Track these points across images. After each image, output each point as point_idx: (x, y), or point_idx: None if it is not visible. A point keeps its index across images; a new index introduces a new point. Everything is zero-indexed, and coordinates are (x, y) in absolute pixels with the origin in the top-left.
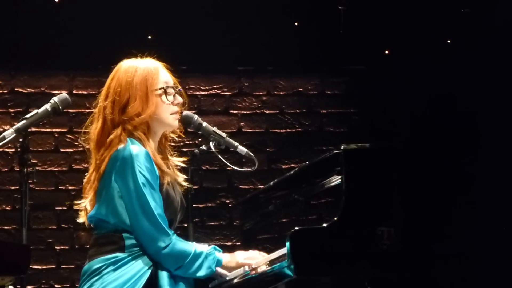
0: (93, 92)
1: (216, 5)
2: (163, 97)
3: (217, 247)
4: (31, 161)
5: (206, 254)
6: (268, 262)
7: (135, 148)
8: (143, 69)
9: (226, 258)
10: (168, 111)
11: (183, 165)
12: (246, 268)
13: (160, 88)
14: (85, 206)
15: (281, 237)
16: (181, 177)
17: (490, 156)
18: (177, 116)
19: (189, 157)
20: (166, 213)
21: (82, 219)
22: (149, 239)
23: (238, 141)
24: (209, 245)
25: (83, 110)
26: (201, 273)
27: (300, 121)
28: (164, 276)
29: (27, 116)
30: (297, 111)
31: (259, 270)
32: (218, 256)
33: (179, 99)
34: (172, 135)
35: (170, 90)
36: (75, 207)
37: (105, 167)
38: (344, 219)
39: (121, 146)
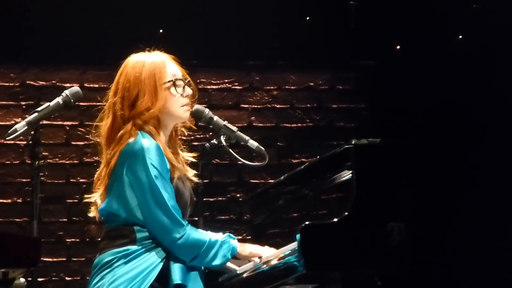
0: (104, 86)
1: (227, 0)
2: (172, 89)
3: (231, 235)
4: (42, 154)
5: (221, 243)
6: (278, 257)
7: (146, 142)
8: (151, 63)
9: (240, 246)
10: (178, 103)
11: (193, 160)
12: (257, 260)
13: (169, 81)
14: (95, 200)
15: (292, 231)
16: (191, 172)
17: (501, 151)
18: (187, 107)
19: (199, 152)
20: None
21: (92, 213)
22: (164, 230)
23: (248, 136)
24: (223, 233)
25: (94, 104)
26: (217, 261)
27: (311, 116)
28: (175, 269)
29: (39, 109)
30: (308, 105)
31: (270, 264)
32: (233, 243)
33: (189, 91)
34: (183, 129)
35: (179, 82)
36: (86, 201)
37: (116, 161)
38: (354, 214)
39: (131, 140)
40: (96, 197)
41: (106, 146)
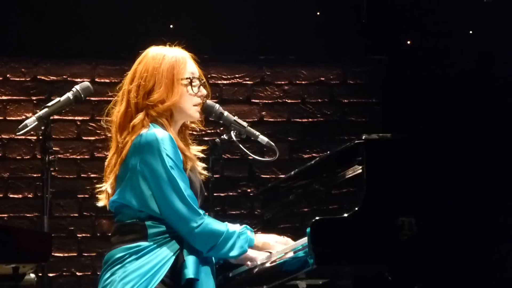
0: (115, 80)
1: None
2: (188, 87)
3: (248, 227)
4: (53, 149)
5: (239, 234)
6: (290, 251)
7: (159, 132)
8: (171, 57)
9: (257, 238)
10: (191, 102)
11: (202, 155)
12: (267, 255)
13: (186, 78)
14: (106, 189)
15: (302, 226)
16: (200, 166)
17: None
18: (198, 108)
19: (210, 146)
20: None
21: (102, 202)
22: (182, 220)
23: (260, 131)
24: (240, 224)
25: (105, 98)
26: (234, 252)
27: (322, 111)
28: (188, 263)
29: (49, 104)
30: (319, 100)
31: (281, 259)
32: (250, 235)
33: (203, 91)
34: (192, 124)
35: (196, 81)
36: (96, 191)
37: (127, 151)
38: (364, 209)
39: (144, 131)
40: (106, 186)
41: (117, 132)
